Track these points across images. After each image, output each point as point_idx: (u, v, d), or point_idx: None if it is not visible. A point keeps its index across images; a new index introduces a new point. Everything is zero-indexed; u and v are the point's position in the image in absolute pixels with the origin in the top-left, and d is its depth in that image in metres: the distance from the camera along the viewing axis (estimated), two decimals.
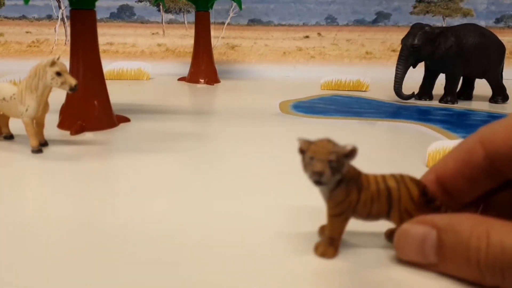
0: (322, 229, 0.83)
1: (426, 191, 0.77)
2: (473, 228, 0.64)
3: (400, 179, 0.76)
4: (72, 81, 1.23)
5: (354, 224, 0.79)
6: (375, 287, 0.69)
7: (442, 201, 0.77)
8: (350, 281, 0.71)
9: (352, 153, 0.70)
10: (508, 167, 0.69)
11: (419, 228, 0.70)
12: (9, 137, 1.41)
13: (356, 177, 0.74)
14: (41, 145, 1.32)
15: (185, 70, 2.96)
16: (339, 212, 0.75)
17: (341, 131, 1.68)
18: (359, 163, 0.75)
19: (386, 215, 0.76)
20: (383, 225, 0.81)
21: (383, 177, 0.76)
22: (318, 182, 0.70)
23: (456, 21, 3.22)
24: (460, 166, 0.74)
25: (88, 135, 1.50)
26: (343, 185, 0.73)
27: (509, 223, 0.63)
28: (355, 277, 0.72)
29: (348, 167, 0.72)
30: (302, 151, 0.72)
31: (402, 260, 0.74)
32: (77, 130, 1.50)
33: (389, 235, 0.82)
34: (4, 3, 3.28)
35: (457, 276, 0.68)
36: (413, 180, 0.76)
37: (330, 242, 0.77)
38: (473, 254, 0.63)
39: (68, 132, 1.50)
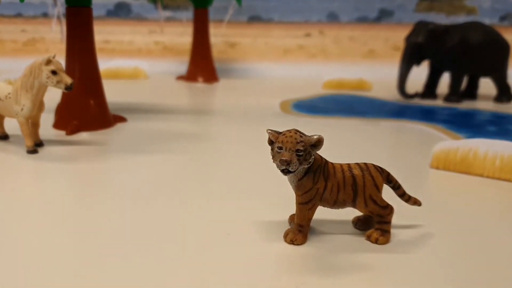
0: (291, 218, 0.86)
1: (391, 178, 0.82)
2: None
3: (365, 167, 0.80)
4: (68, 80, 1.22)
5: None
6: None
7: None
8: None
9: (318, 142, 0.74)
10: None
11: None
12: (4, 137, 1.41)
13: (323, 165, 0.78)
14: (37, 145, 1.32)
15: (183, 68, 2.93)
16: (307, 200, 0.78)
17: (343, 131, 1.65)
18: None
19: (352, 202, 0.80)
20: (351, 213, 0.86)
21: (349, 165, 0.80)
22: (286, 171, 0.72)
23: (460, 18, 3.19)
24: None
25: (84, 135, 1.48)
26: (310, 173, 0.77)
27: None
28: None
29: (315, 156, 0.76)
30: (271, 142, 0.76)
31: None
32: (72, 130, 1.49)
33: (356, 222, 0.86)
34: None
35: None
36: (377, 168, 0.80)
37: (299, 229, 0.80)
38: None
39: (63, 132, 1.49)
